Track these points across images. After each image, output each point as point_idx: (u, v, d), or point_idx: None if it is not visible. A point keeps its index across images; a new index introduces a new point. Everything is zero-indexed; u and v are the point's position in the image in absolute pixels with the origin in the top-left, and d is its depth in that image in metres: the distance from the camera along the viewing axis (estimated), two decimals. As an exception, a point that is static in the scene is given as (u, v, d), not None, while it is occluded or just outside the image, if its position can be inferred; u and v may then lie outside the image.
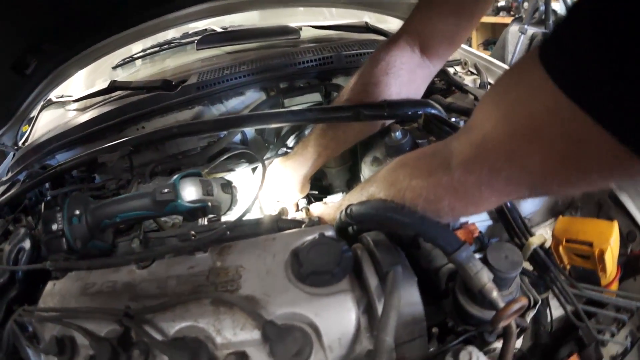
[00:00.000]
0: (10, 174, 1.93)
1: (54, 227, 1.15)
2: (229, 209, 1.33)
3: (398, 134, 1.35)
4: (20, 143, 2.16)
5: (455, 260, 0.86)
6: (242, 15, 2.44)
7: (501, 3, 6.93)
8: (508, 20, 6.49)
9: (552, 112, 0.61)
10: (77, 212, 1.15)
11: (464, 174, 0.79)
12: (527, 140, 0.66)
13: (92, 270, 1.11)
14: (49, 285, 1.12)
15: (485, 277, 0.85)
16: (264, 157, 1.74)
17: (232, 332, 0.84)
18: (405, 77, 1.40)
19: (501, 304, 0.83)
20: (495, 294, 0.84)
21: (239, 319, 0.85)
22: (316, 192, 1.80)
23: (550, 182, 0.69)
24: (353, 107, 1.39)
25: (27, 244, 1.25)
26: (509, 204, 1.18)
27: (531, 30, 5.43)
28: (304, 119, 1.49)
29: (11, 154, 2.20)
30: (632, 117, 0.52)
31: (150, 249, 1.15)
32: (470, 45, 7.82)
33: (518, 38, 5.39)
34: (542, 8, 5.26)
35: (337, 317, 0.83)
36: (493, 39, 7.31)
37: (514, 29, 5.85)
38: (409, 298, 0.88)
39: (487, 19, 7.24)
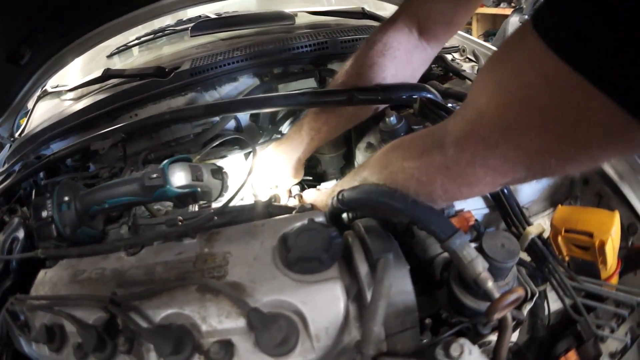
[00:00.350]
0: (6, 165, 1.93)
1: (44, 213, 1.15)
2: (220, 195, 1.31)
3: (392, 119, 1.34)
4: (17, 135, 2.16)
5: (449, 247, 0.84)
6: (238, 1, 2.42)
7: (502, -6, 6.97)
8: (508, 11, 6.57)
9: (548, 80, 0.58)
10: (67, 198, 1.14)
11: (457, 151, 0.76)
12: (522, 111, 0.64)
13: (83, 258, 1.10)
14: (41, 273, 1.12)
15: (480, 265, 0.83)
16: (257, 143, 1.74)
17: (217, 319, 0.83)
18: (402, 59, 1.38)
19: (496, 295, 0.81)
20: (490, 284, 0.82)
21: (225, 306, 0.83)
22: (310, 179, 1.79)
23: (548, 157, 0.66)
24: (347, 90, 1.37)
25: (20, 234, 1.27)
26: (505, 190, 1.16)
27: (531, 21, 5.45)
28: (296, 103, 1.47)
29: (7, 146, 2.21)
30: (635, 81, 0.49)
31: (139, 235, 1.14)
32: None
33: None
34: None
35: (324, 305, 0.81)
36: (493, 30, 7.37)
37: (514, 19, 5.87)
38: (401, 286, 0.86)
39: (487, 10, 7.29)
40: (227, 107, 1.54)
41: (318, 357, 0.80)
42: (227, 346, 0.81)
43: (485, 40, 7.33)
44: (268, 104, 1.49)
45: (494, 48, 2.06)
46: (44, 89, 2.23)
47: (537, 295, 0.99)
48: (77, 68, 2.51)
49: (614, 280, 1.13)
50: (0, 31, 1.54)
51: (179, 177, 1.17)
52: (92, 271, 1.04)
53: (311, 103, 1.46)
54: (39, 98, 2.32)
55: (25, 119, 2.30)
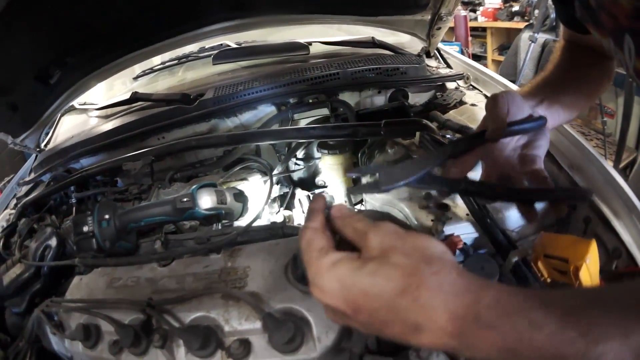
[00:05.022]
0: (33, 175, 2.09)
1: (85, 228, 1.32)
2: (241, 215, 1.49)
3: (392, 151, 1.48)
4: (42, 145, 2.29)
5: None
6: (257, 32, 2.50)
7: (515, 8, 6.97)
8: (522, 25, 6.55)
9: None
10: (107, 216, 1.32)
11: None
12: None
13: (118, 267, 1.27)
14: (76, 279, 1.29)
15: None
16: (275, 170, 1.84)
17: (238, 322, 1.00)
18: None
19: None
20: None
21: (244, 311, 1.01)
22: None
23: None
24: (352, 125, 1.54)
25: (53, 242, 1.40)
26: (488, 220, 1.25)
27: (542, 37, 5.47)
28: (307, 136, 1.64)
29: (33, 156, 2.36)
30: None
31: (171, 250, 1.31)
32: (485, 51, 7.92)
33: (529, 46, 5.43)
34: (553, 15, 5.29)
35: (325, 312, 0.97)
36: (507, 43, 7.34)
37: (525, 35, 5.86)
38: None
39: (501, 24, 7.33)
40: (247, 137, 1.70)
41: (319, 355, 0.95)
42: (245, 344, 0.98)
43: (499, 54, 7.39)
44: (283, 136, 1.65)
45: (497, 76, 2.16)
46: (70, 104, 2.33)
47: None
48: (101, 84, 2.55)
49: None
50: (32, 51, 1.68)
51: (205, 201, 1.35)
52: (128, 279, 1.22)
53: (321, 136, 1.63)
54: (65, 112, 2.45)
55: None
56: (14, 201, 1.98)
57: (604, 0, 0.79)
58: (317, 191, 1.85)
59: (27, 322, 1.24)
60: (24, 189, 2.03)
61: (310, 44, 2.25)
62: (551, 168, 1.49)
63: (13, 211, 1.80)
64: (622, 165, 4.05)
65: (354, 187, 0.76)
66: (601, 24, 0.87)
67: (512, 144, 1.10)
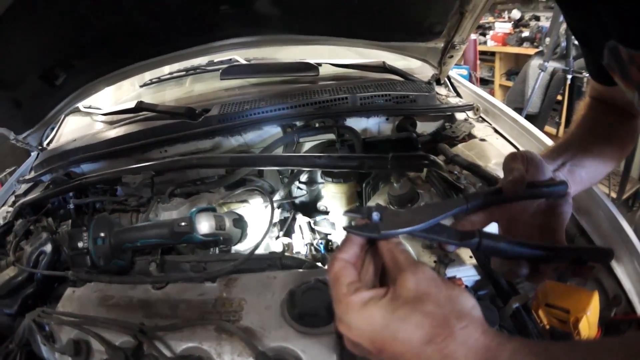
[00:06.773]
0: (33, 174, 2.07)
1: (80, 244, 1.31)
2: (239, 241, 1.47)
3: (398, 185, 1.46)
4: (45, 144, 2.26)
5: None
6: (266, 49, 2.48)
7: (525, 34, 6.98)
8: (531, 51, 6.57)
9: None
10: (102, 234, 1.31)
11: None
12: None
13: (112, 284, 1.25)
14: (69, 290, 1.27)
15: None
16: (276, 195, 1.82)
17: (230, 357, 0.98)
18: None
19: None
20: None
21: (237, 346, 0.99)
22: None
23: None
24: (359, 157, 1.51)
25: (48, 248, 1.39)
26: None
27: (552, 65, 5.46)
28: (312, 165, 1.62)
29: (35, 154, 2.34)
30: None
31: (166, 275, 1.29)
32: (493, 75, 7.92)
33: (538, 74, 5.42)
34: (564, 44, 5.29)
35: (320, 355, 0.96)
36: (516, 69, 7.35)
37: (535, 63, 5.86)
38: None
39: (510, 49, 7.34)
40: (250, 161, 1.69)
41: (314, 399, 0.93)
42: (238, 381, 0.96)
43: (507, 79, 7.38)
44: (287, 163, 1.63)
45: (508, 109, 2.13)
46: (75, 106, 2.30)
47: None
48: (108, 88, 2.53)
49: (594, 348, 1.19)
50: (38, 50, 1.67)
51: (204, 226, 1.34)
52: (121, 298, 1.20)
53: (326, 165, 1.61)
54: (70, 112, 2.43)
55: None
56: (12, 198, 1.97)
57: (636, 54, 0.77)
58: (318, 218, 1.83)
59: (18, 325, 1.22)
60: (23, 187, 2.02)
61: (320, 64, 2.22)
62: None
63: (11, 209, 1.78)
64: (625, 196, 4.05)
65: (352, 227, 0.72)
66: (629, 76, 0.84)
67: (531, 208, 1.01)
